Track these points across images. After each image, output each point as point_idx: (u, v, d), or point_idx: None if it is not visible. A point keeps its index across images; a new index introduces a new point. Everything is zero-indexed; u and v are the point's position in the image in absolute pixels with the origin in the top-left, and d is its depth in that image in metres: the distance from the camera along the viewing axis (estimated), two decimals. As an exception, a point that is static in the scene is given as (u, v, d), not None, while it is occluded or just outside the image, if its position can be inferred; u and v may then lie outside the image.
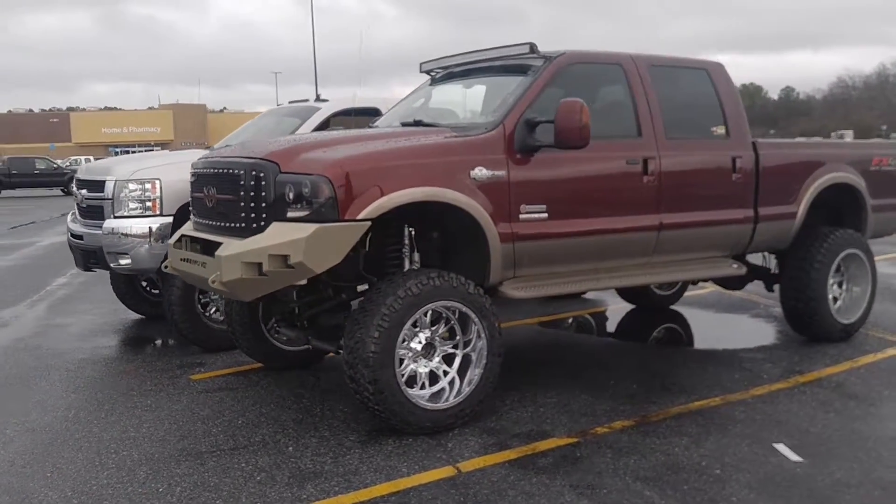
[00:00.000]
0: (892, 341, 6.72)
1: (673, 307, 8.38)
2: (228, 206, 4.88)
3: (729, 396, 5.34)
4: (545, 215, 5.17)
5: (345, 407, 5.22)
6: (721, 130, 6.12)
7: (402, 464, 4.30)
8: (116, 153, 58.24)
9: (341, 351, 4.71)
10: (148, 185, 6.73)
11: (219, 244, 4.76)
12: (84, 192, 7.23)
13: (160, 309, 7.64)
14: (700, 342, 7.31)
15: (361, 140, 4.95)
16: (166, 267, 5.46)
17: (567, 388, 5.57)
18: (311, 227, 4.41)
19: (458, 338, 4.90)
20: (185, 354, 6.81)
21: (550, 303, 8.58)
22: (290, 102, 8.70)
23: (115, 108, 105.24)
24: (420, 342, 4.77)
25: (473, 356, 4.88)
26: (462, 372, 4.90)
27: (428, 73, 6.53)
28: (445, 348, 4.89)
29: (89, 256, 7.06)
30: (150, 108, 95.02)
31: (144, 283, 8.24)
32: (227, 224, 4.89)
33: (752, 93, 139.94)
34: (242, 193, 4.73)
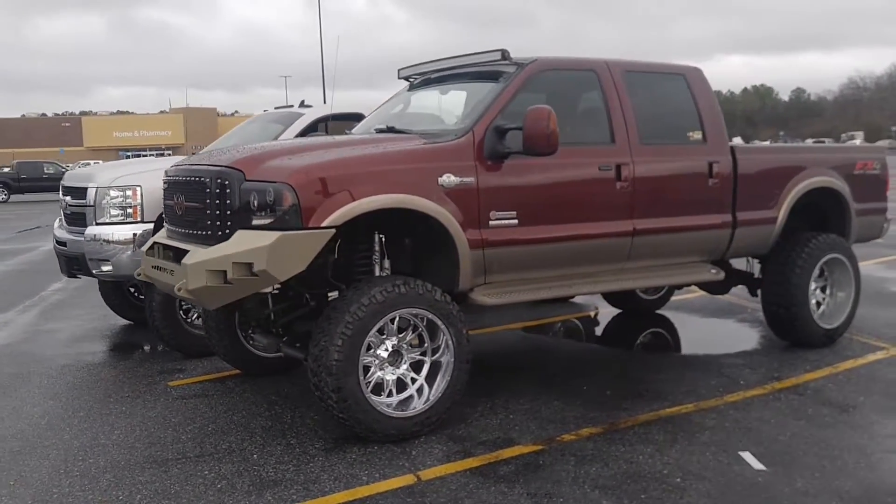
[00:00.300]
0: (876, 346, 6.67)
1: (659, 312, 8.34)
2: (196, 213, 4.90)
3: (702, 403, 5.32)
4: (515, 221, 5.17)
5: (315, 414, 5.22)
6: (697, 136, 6.10)
7: (363, 472, 4.30)
8: (127, 157, 58.49)
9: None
10: (129, 192, 6.76)
11: (187, 252, 4.77)
12: (68, 198, 7.28)
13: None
14: (682, 347, 7.29)
15: (328, 147, 4.96)
16: (139, 274, 5.48)
17: (540, 394, 5.55)
18: (274, 235, 4.42)
19: (426, 345, 4.90)
20: (167, 360, 6.83)
21: (537, 307, 8.57)
22: (275, 108, 8.72)
23: (128, 112, 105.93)
24: (387, 349, 4.77)
25: (442, 363, 4.88)
26: (431, 379, 4.90)
27: (406, 78, 6.54)
28: (413, 355, 4.89)
29: (72, 263, 7.10)
30: (161, 112, 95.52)
31: (132, 289, 8.27)
32: (195, 232, 4.91)
33: (762, 94, 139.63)
34: (208, 201, 4.75)
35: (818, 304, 6.86)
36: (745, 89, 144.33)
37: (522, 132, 4.95)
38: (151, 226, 6.67)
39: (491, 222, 5.08)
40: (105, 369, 6.66)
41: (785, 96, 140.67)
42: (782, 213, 6.48)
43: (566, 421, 5.02)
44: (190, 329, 6.82)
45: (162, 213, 6.44)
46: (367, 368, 4.71)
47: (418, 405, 4.81)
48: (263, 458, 4.54)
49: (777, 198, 6.47)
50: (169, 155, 39.55)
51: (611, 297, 8.37)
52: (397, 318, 4.76)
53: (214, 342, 6.08)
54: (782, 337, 6.80)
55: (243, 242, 4.48)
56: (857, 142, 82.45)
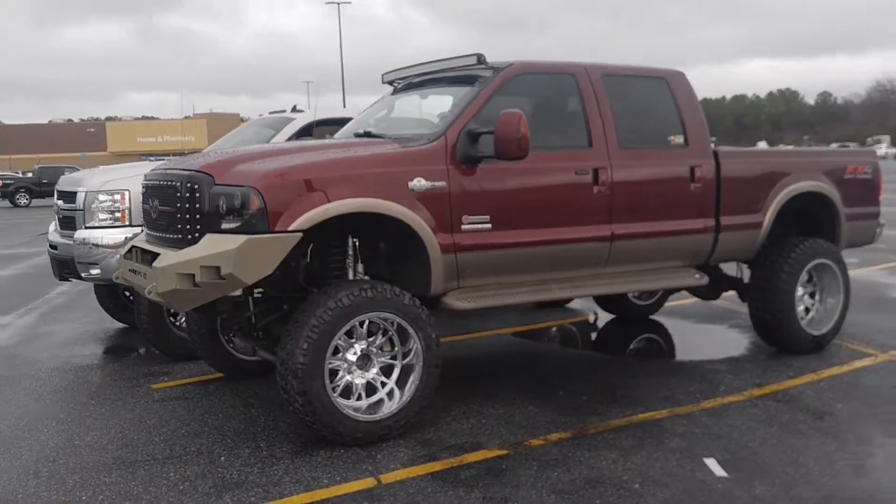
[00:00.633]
0: (864, 353, 6.60)
1: (653, 317, 8.30)
2: (168, 217, 4.95)
3: (677, 409, 5.29)
4: (489, 226, 5.17)
5: (288, 418, 5.24)
6: (679, 140, 6.07)
7: (325, 475, 4.32)
8: (150, 161, 58.92)
9: None
10: (117, 196, 6.84)
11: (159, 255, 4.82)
12: (60, 202, 7.37)
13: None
14: (669, 353, 7.25)
15: (297, 152, 4.99)
16: (117, 277, 5.54)
17: (517, 399, 5.55)
18: (241, 239, 4.45)
19: (396, 349, 4.91)
20: (155, 363, 6.89)
21: (532, 312, 8.57)
22: (270, 113, 8.78)
23: (152, 118, 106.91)
24: (355, 353, 4.79)
25: (412, 367, 4.89)
26: (401, 383, 4.91)
27: (391, 83, 6.56)
28: (384, 359, 4.90)
29: (63, 266, 7.19)
30: (185, 118, 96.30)
31: (127, 293, 8.35)
32: (167, 235, 4.96)
33: (788, 98, 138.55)
34: (179, 205, 4.80)
35: (807, 309, 6.80)
36: (771, 93, 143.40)
37: (494, 136, 4.95)
38: (140, 230, 6.72)
39: (463, 226, 5.09)
40: (93, 372, 6.73)
41: (811, 100, 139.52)
42: (768, 217, 6.43)
43: (537, 426, 5.01)
44: (177, 332, 6.87)
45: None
46: (335, 372, 4.74)
47: (388, 409, 4.82)
48: (230, 461, 4.57)
49: (763, 202, 6.42)
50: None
51: (604, 303, 8.35)
52: (367, 322, 4.78)
53: (197, 345, 6.13)
54: (770, 343, 6.75)
55: (211, 246, 4.52)
56: (883, 146, 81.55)
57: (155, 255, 4.98)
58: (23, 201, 39.44)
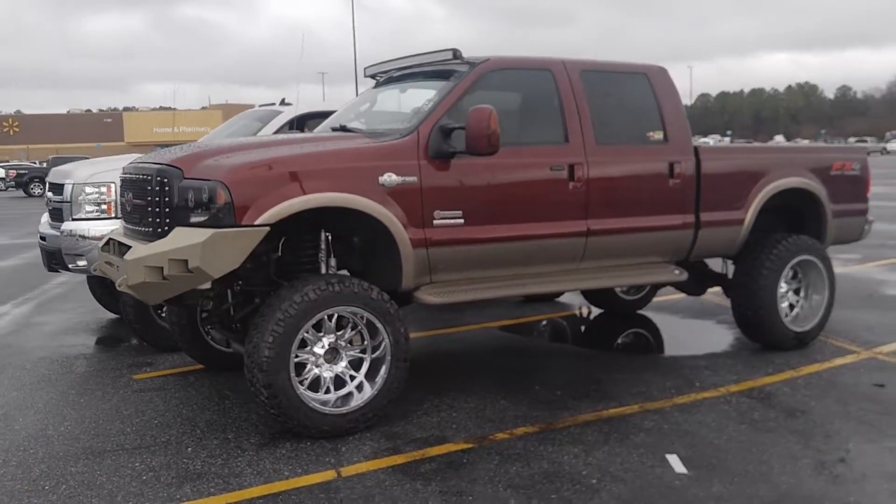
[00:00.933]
0: (847, 350, 6.57)
1: (641, 312, 8.29)
2: (140, 210, 4.99)
3: (648, 405, 5.29)
4: (461, 221, 5.18)
5: (261, 410, 5.27)
6: (659, 136, 6.05)
7: (287, 467, 4.35)
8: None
9: None
10: (104, 189, 6.89)
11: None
12: (51, 194, 7.43)
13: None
14: (651, 348, 7.24)
15: (268, 146, 5.01)
16: (95, 269, 5.59)
17: (491, 393, 5.56)
18: (207, 233, 4.48)
19: (366, 343, 4.93)
20: (140, 354, 6.95)
21: (518, 306, 8.58)
22: (259, 106, 8.81)
23: (170, 108, 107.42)
24: (323, 347, 4.81)
25: (382, 361, 4.91)
26: (371, 377, 4.93)
27: (373, 77, 6.57)
28: (353, 353, 4.92)
29: (51, 257, 7.26)
30: (203, 108, 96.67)
31: (118, 284, 8.40)
32: (140, 228, 5.01)
33: (806, 92, 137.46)
34: (150, 198, 4.84)
35: (791, 306, 6.77)
36: (790, 87, 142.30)
37: (465, 132, 4.96)
38: (125, 222, 6.78)
39: (435, 222, 5.10)
40: (78, 362, 6.79)
41: (830, 94, 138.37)
42: (750, 214, 6.40)
43: (505, 420, 5.03)
44: (162, 324, 6.92)
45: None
46: (302, 365, 4.77)
47: (357, 402, 4.84)
48: (196, 452, 4.61)
49: (745, 199, 6.39)
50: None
51: (591, 297, 8.34)
52: (335, 316, 4.81)
53: (178, 337, 6.18)
54: (752, 339, 6.73)
55: (179, 239, 4.55)
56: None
57: (129, 248, 5.03)
58: (37, 191, 39.67)
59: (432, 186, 5.08)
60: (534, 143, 5.62)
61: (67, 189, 7.00)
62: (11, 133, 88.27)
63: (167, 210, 4.73)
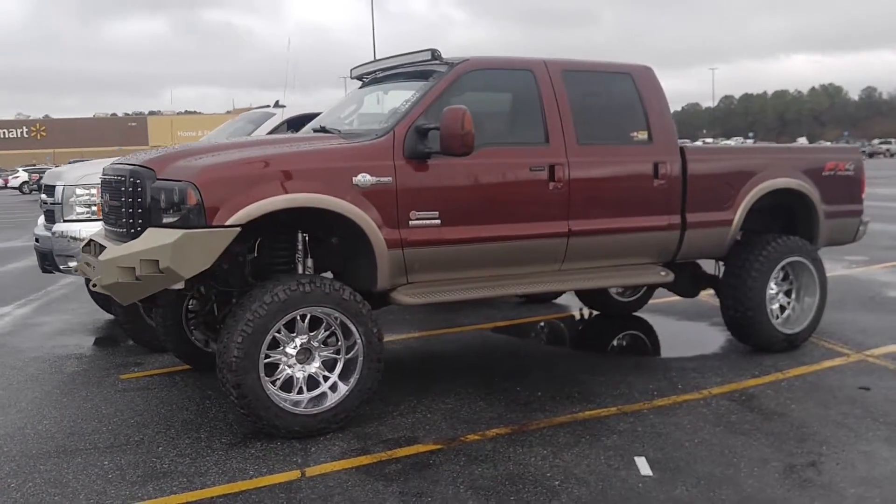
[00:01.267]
0: (838, 353, 6.48)
1: (636, 314, 8.22)
2: (116, 211, 5.03)
3: (626, 407, 5.24)
4: (438, 221, 5.16)
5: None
6: (643, 136, 6.00)
7: (253, 467, 4.36)
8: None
9: None
10: (94, 191, 6.95)
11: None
12: (44, 196, 7.51)
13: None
14: (640, 350, 7.19)
15: (241, 147, 5.03)
16: (76, 269, 5.63)
17: (470, 394, 5.54)
18: (178, 233, 4.50)
19: (340, 343, 4.93)
20: (131, 354, 7.00)
21: (513, 307, 8.55)
22: (256, 108, 8.85)
23: (194, 112, 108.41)
24: (295, 347, 4.82)
25: (355, 362, 4.91)
26: (345, 377, 4.93)
27: (359, 78, 6.58)
28: (326, 353, 4.92)
29: (44, 259, 7.33)
30: (227, 112, 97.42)
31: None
32: (116, 229, 5.05)
33: (831, 93, 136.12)
34: (123, 199, 4.87)
35: (782, 308, 6.69)
36: (813, 88, 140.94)
37: (439, 132, 4.95)
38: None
39: (411, 222, 5.09)
40: (69, 362, 6.85)
41: (855, 95, 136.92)
42: (738, 215, 6.33)
43: (480, 421, 5.00)
44: (152, 323, 6.95)
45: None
46: (275, 366, 4.77)
47: (330, 403, 4.84)
48: (167, 451, 4.63)
49: (733, 199, 6.33)
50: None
51: (586, 299, 8.29)
52: (308, 317, 4.81)
53: (163, 337, 6.21)
54: (742, 341, 6.65)
55: (151, 240, 4.58)
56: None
57: (103, 248, 5.07)
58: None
59: (408, 187, 5.07)
60: (513, 143, 5.60)
61: (59, 191, 7.07)
62: (38, 137, 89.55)
63: (140, 211, 4.76)
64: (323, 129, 5.68)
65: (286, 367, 4.82)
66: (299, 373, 4.86)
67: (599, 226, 5.73)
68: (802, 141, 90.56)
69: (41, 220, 7.98)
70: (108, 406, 5.53)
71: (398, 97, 5.87)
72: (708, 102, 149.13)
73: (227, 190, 4.58)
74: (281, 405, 4.69)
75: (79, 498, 4.02)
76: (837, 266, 10.80)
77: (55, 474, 4.32)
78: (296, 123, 7.86)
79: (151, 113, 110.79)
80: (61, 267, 7.03)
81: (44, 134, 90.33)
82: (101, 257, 4.77)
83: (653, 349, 7.18)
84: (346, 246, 5.30)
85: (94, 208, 6.94)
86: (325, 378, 4.92)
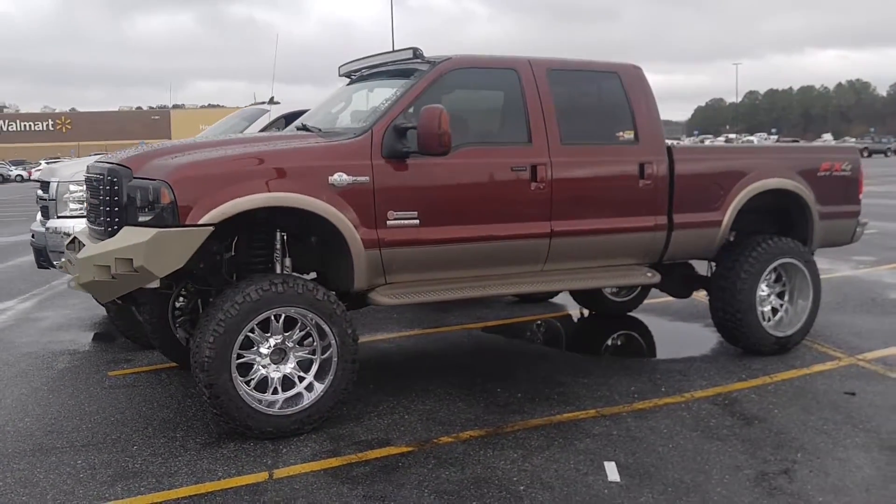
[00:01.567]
0: (831, 356, 6.40)
1: (632, 314, 8.16)
2: (95, 209, 5.05)
3: (605, 409, 5.20)
4: (416, 221, 5.14)
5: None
6: (629, 136, 5.95)
7: (222, 467, 4.37)
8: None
9: None
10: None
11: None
12: (40, 192, 7.56)
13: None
14: (630, 351, 7.14)
15: (217, 146, 5.03)
16: (61, 266, 5.66)
17: (451, 395, 5.53)
18: (151, 232, 4.51)
19: (314, 343, 4.92)
20: (124, 351, 7.04)
21: (507, 307, 8.52)
22: (251, 104, 8.87)
23: (217, 106, 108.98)
24: (269, 347, 4.82)
25: (330, 362, 4.90)
26: (321, 378, 4.93)
27: (347, 75, 6.56)
28: (301, 354, 4.92)
29: (39, 254, 7.38)
30: (250, 105, 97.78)
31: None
32: (95, 227, 5.07)
33: (858, 89, 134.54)
34: (101, 197, 4.89)
35: (774, 310, 6.62)
36: (840, 84, 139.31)
37: (417, 132, 4.93)
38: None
39: (389, 222, 5.07)
40: (61, 357, 6.89)
41: (883, 91, 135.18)
42: (728, 215, 6.26)
43: (455, 423, 4.99)
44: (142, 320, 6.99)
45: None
46: (249, 366, 4.78)
47: (305, 403, 4.84)
48: (141, 450, 4.65)
49: (722, 200, 6.25)
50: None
51: (580, 299, 8.24)
52: (282, 317, 4.81)
53: (150, 334, 6.24)
54: (732, 343, 6.59)
55: (126, 238, 4.59)
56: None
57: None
58: (80, 188, 40.46)
59: (385, 186, 5.05)
60: (495, 142, 5.57)
61: (53, 187, 7.12)
62: (64, 130, 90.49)
63: (117, 209, 4.77)
64: (304, 128, 5.66)
65: (260, 368, 4.82)
66: (274, 373, 4.86)
67: (583, 226, 5.68)
68: (827, 137, 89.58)
69: (38, 216, 8.05)
70: (92, 403, 5.56)
71: (383, 95, 5.85)
72: (732, 98, 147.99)
73: (200, 189, 4.58)
74: (253, 405, 4.69)
75: (46, 498, 4.04)
76: (843, 266, 10.69)
77: (27, 473, 4.35)
78: (293, 119, 7.87)
79: (175, 106, 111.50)
80: (55, 263, 7.07)
81: (69, 127, 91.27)
82: (78, 255, 4.80)
83: (642, 350, 7.13)
84: (324, 246, 5.29)
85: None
86: (301, 378, 4.92)
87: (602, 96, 6.00)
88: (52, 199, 7.12)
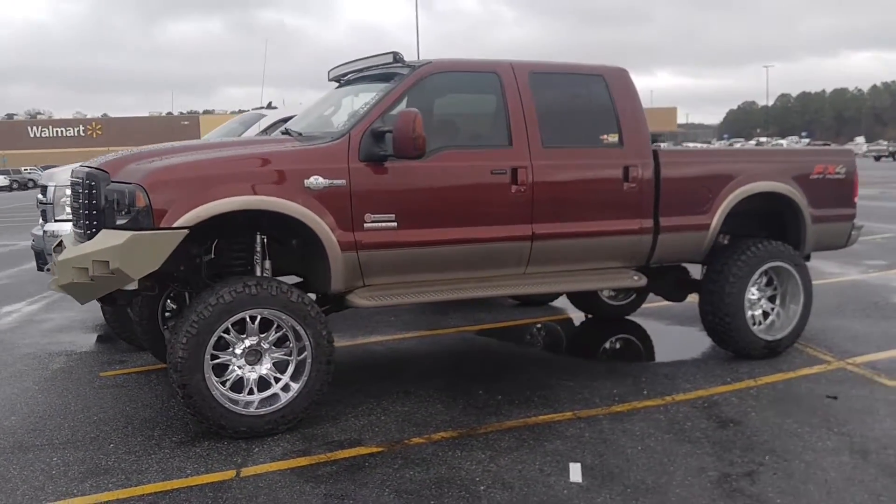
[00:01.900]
0: (821, 360, 6.34)
1: (629, 317, 8.14)
2: (77, 212, 5.15)
3: (582, 412, 5.21)
4: (394, 224, 5.18)
5: (197, 408, 5.37)
6: (613, 139, 5.94)
7: (192, 465, 4.43)
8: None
9: None
10: (83, 191, 7.08)
11: (70, 249, 5.02)
12: (40, 196, 7.71)
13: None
14: (620, 355, 7.12)
15: (195, 150, 5.10)
16: (48, 269, 5.77)
17: (431, 396, 5.56)
18: (126, 235, 4.59)
19: (290, 345, 4.98)
20: (118, 352, 7.15)
21: (505, 309, 8.53)
22: (252, 109, 8.97)
23: (246, 111, 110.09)
24: (244, 349, 4.87)
25: (305, 364, 4.95)
26: (297, 379, 4.97)
27: (336, 79, 6.62)
28: (277, 355, 4.97)
29: (38, 257, 7.52)
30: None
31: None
32: (78, 230, 5.17)
33: (893, 91, 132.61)
34: (81, 201, 4.99)
35: (765, 314, 6.57)
36: (875, 86, 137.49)
37: (392, 135, 4.97)
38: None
39: (366, 225, 5.11)
40: (58, 358, 7.01)
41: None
42: (716, 219, 6.23)
43: (430, 424, 5.01)
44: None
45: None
46: (224, 366, 4.84)
47: (280, 404, 4.89)
48: (117, 448, 4.73)
49: (710, 203, 6.22)
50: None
51: (578, 302, 8.23)
52: (258, 318, 4.86)
53: (141, 335, 6.34)
54: (722, 347, 6.55)
55: (102, 241, 4.68)
56: None
57: (71, 249, 5.19)
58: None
59: (362, 190, 5.09)
60: (475, 146, 5.60)
61: (50, 191, 7.26)
62: (95, 136, 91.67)
63: (95, 213, 4.87)
64: (286, 132, 5.73)
65: (236, 368, 4.88)
66: (250, 374, 4.92)
67: (565, 229, 5.68)
68: (860, 140, 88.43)
69: (40, 219, 8.20)
70: (79, 403, 5.65)
71: (366, 99, 5.90)
72: (764, 101, 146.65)
73: (175, 192, 4.66)
74: (226, 405, 4.75)
75: (16, 493, 4.12)
76: (853, 270, 10.58)
77: (2, 470, 4.44)
78: (273, 126, 7.96)
79: (206, 112, 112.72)
80: (46, 266, 7.20)
81: (99, 132, 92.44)
82: (58, 258, 4.90)
83: (633, 354, 7.11)
84: (304, 248, 5.35)
85: (83, 209, 7.08)
86: (277, 379, 4.97)
87: (586, 99, 6.00)
88: (50, 203, 7.25)
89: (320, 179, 4.97)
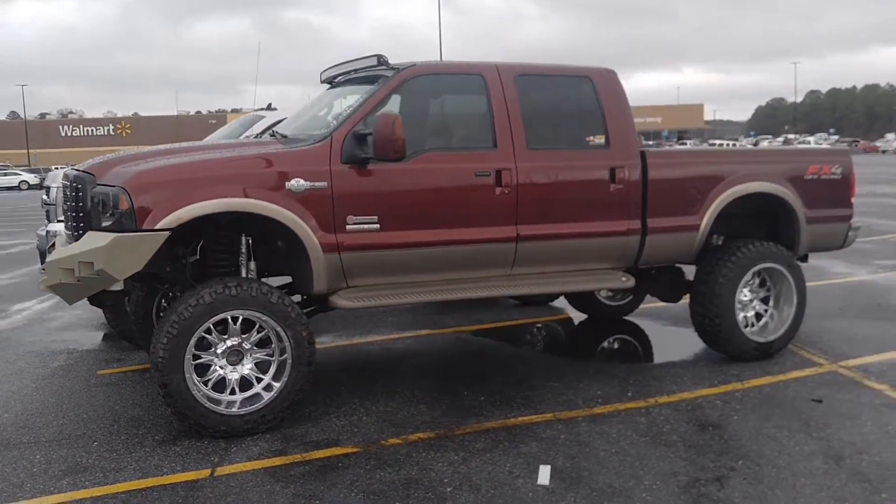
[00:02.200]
0: (813, 362, 6.30)
1: (627, 318, 8.12)
2: (66, 214, 5.25)
3: (563, 413, 5.22)
4: (377, 226, 5.22)
5: (183, 407, 5.45)
6: (600, 140, 5.95)
7: (169, 464, 4.51)
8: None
9: None
10: (83, 192, 7.20)
11: (61, 251, 5.12)
12: (45, 197, 7.85)
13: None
14: (611, 355, 7.09)
15: (177, 153, 5.18)
16: (43, 269, 5.87)
17: (415, 397, 5.60)
18: (110, 236, 4.68)
19: (273, 345, 5.04)
20: (118, 350, 7.26)
21: (505, 309, 8.55)
22: (254, 111, 9.05)
23: (273, 110, 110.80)
24: (225, 349, 4.94)
25: (286, 364, 5.01)
26: (279, 379, 5.03)
27: (328, 81, 6.67)
28: (258, 355, 5.03)
29: (42, 257, 7.64)
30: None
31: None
32: (68, 232, 5.27)
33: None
34: (69, 203, 5.09)
35: (758, 315, 6.53)
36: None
37: (373, 138, 5.01)
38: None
39: (348, 227, 5.16)
40: (59, 356, 7.14)
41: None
42: (706, 219, 6.21)
43: (409, 425, 5.05)
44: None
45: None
46: (206, 366, 4.91)
47: (260, 404, 4.96)
48: (100, 446, 4.82)
49: (700, 204, 6.20)
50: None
51: (576, 302, 8.23)
52: (240, 319, 4.93)
53: (137, 335, 6.44)
54: (713, 348, 6.53)
55: (88, 243, 4.77)
56: None
57: (62, 251, 5.29)
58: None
59: (345, 192, 5.14)
60: (459, 148, 5.63)
61: (53, 192, 7.38)
62: (124, 135, 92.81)
63: (82, 215, 4.96)
64: (273, 134, 5.80)
65: (218, 368, 4.95)
66: (231, 374, 4.99)
67: (550, 230, 5.70)
68: (890, 137, 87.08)
69: (45, 220, 8.34)
70: (72, 401, 5.76)
71: (351, 101, 5.95)
72: (790, 98, 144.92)
73: (157, 195, 4.73)
74: (207, 405, 4.82)
75: (-6, 490, 4.22)
76: (861, 270, 10.49)
77: (-15, 466, 4.54)
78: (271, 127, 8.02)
79: (234, 111, 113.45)
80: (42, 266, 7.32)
81: (128, 131, 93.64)
82: (47, 259, 4.99)
83: (624, 355, 7.09)
84: (289, 249, 5.40)
85: (83, 209, 7.20)
86: (259, 380, 5.03)
87: (573, 101, 6.01)
88: (52, 204, 7.37)
89: (302, 182, 5.03)
